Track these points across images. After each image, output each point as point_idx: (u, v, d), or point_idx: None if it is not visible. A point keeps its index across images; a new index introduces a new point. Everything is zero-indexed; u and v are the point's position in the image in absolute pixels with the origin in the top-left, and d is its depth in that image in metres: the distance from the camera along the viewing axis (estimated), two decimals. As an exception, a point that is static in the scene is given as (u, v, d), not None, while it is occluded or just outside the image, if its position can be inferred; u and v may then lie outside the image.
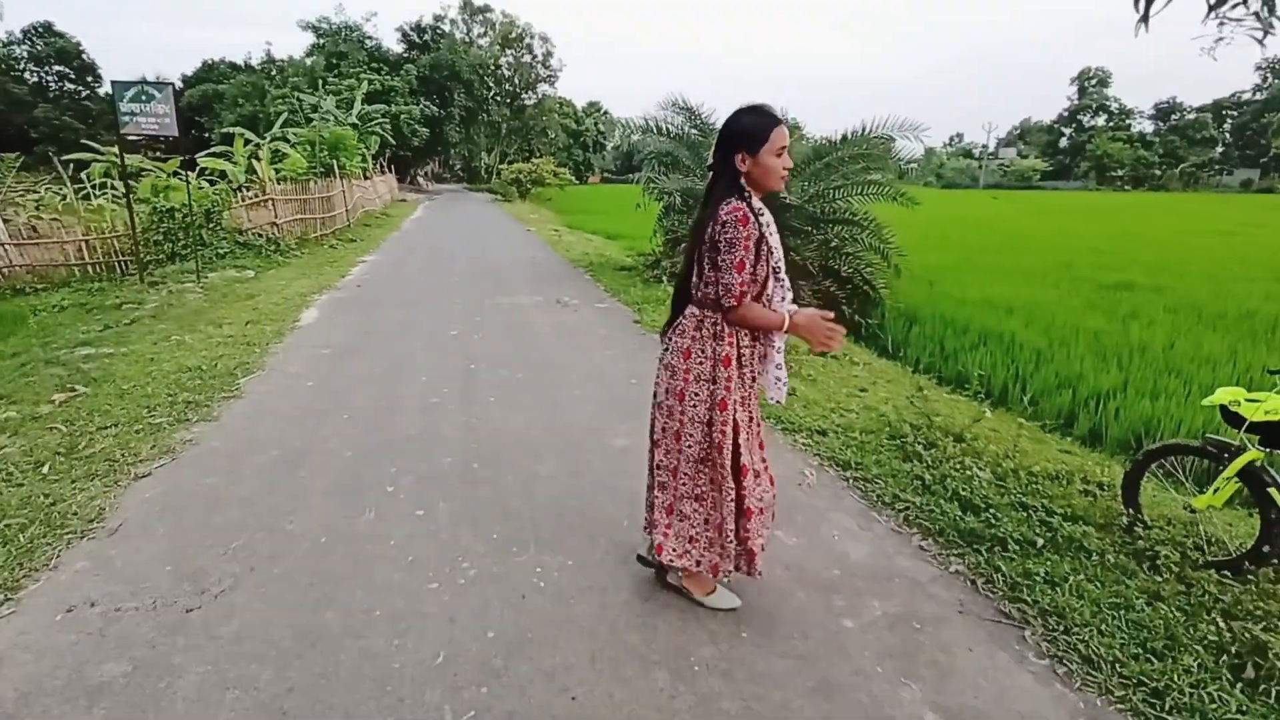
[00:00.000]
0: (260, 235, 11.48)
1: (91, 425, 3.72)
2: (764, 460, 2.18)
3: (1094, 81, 74.38)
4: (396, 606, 2.21)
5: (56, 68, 38.07)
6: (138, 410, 3.94)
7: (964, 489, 2.95)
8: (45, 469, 3.18)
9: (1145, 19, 3.47)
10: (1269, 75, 66.00)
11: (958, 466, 3.18)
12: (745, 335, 1.98)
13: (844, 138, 7.78)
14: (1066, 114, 76.92)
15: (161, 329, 6.14)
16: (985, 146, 79.21)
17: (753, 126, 1.86)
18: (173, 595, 2.27)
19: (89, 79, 38.44)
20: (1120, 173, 65.87)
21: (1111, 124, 71.89)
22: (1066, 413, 5.14)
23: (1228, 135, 69.35)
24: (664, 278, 8.30)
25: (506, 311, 7.02)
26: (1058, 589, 2.32)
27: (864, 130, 7.57)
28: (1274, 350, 6.23)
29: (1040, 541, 2.59)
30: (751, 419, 2.09)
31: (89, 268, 10.10)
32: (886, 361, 6.17)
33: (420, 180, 46.14)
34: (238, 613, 2.18)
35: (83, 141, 20.15)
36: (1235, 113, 68.14)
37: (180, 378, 4.54)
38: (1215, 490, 2.53)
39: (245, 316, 6.48)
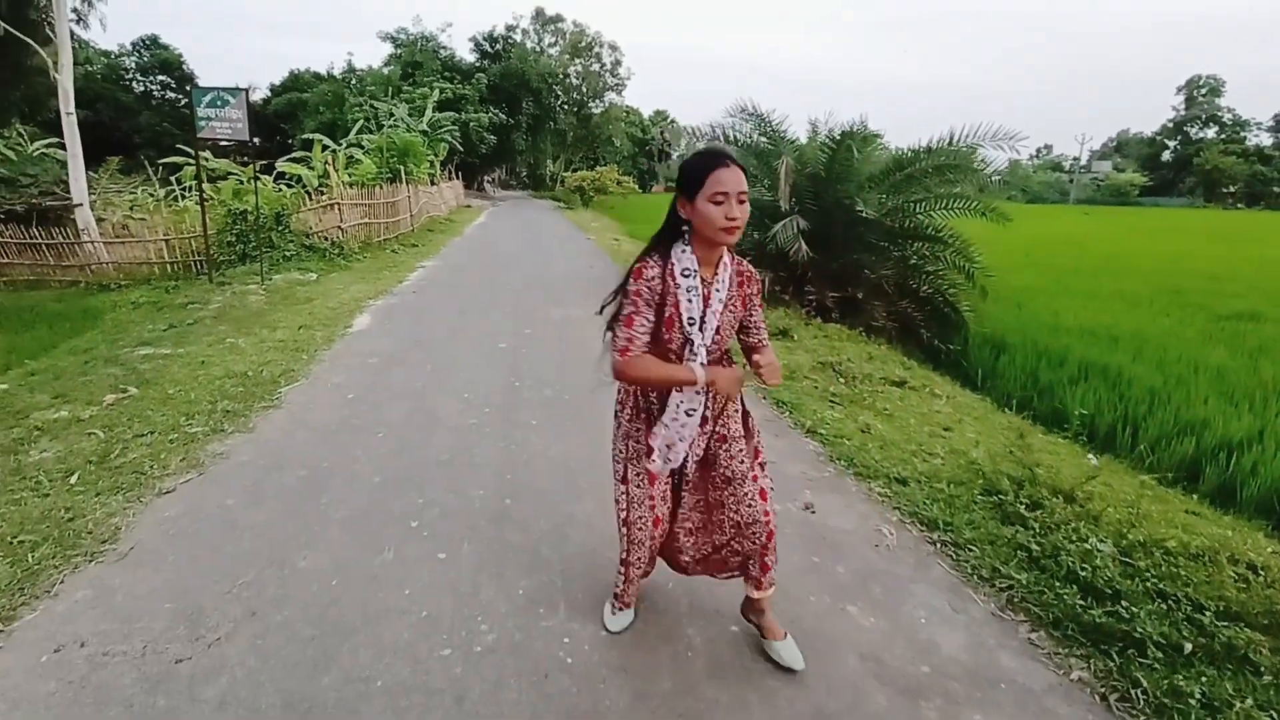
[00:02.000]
0: (326, 239, 11.75)
1: (129, 432, 3.64)
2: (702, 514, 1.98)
3: (1204, 90, 68.70)
4: (401, 676, 1.91)
5: (160, 77, 40.92)
6: (177, 417, 3.85)
7: (1083, 567, 2.43)
8: (74, 479, 3.08)
9: None
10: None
11: (1072, 535, 2.65)
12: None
13: (928, 147, 7.18)
14: (1171, 125, 71.30)
15: (219, 330, 6.19)
16: (1077, 159, 74.48)
17: (691, 170, 1.68)
18: (165, 639, 2.05)
19: (187, 88, 41.22)
20: (1233, 189, 60.62)
21: (1224, 136, 66.06)
22: (1189, 464, 4.44)
23: (1360, 149, 62.74)
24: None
25: (558, 325, 6.77)
26: (1220, 718, 1.81)
27: (951, 139, 6.96)
28: None
29: (1189, 647, 2.06)
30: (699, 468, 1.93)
31: (169, 267, 10.55)
32: (972, 395, 5.56)
33: (486, 186, 47.20)
34: (228, 669, 1.93)
35: (177, 146, 21.46)
36: (1369, 124, 61.69)
37: (225, 384, 4.47)
38: None
39: (299, 320, 6.47)
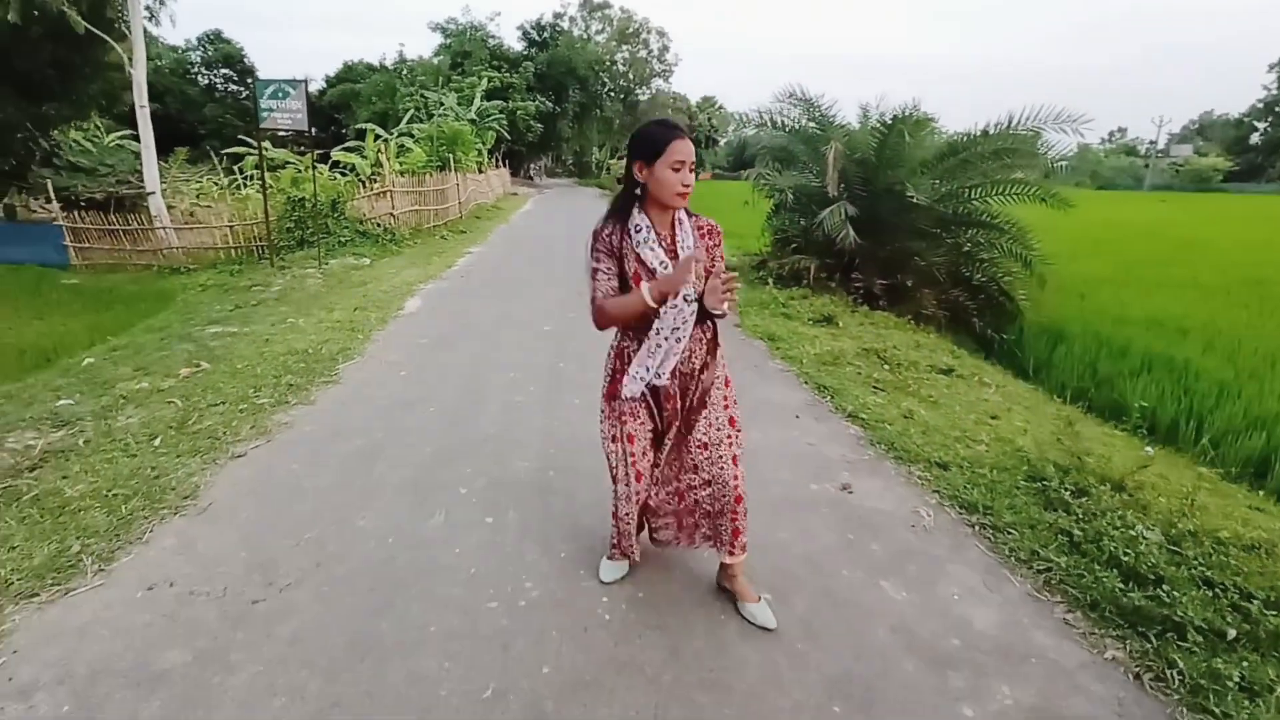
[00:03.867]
0: (378, 225, 12.16)
1: (204, 402, 3.92)
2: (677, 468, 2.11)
3: (1300, 66, 63.57)
4: (452, 624, 2.06)
5: (223, 71, 42.75)
6: (245, 390, 4.13)
7: (1126, 553, 2.40)
8: (157, 441, 3.36)
9: None
10: None
11: (1117, 522, 2.61)
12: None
13: (985, 131, 6.96)
14: (1262, 105, 66.14)
15: (281, 311, 6.54)
16: (1153, 143, 69.92)
17: (652, 136, 1.83)
18: (242, 584, 2.25)
19: (249, 81, 42.89)
20: (1330, 172, 56.09)
21: (1322, 117, 61.08)
22: (1258, 461, 4.26)
23: None
24: (770, 279, 7.85)
25: (601, 307, 6.87)
26: (1260, 702, 1.78)
27: (1010, 122, 6.73)
28: None
29: (1233, 633, 2.03)
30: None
31: (233, 251, 11.12)
32: (1024, 385, 5.42)
33: (532, 174, 47.74)
34: (298, 611, 2.11)
35: (239, 137, 22.45)
36: None
37: (287, 360, 4.75)
38: None
39: (355, 303, 6.77)
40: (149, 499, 2.78)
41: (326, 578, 2.29)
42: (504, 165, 32.37)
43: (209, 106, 39.85)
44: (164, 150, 17.00)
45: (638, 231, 1.87)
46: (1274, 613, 2.12)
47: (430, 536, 2.56)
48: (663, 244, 1.89)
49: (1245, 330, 6.90)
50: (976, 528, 2.71)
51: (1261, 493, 3.87)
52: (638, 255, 1.87)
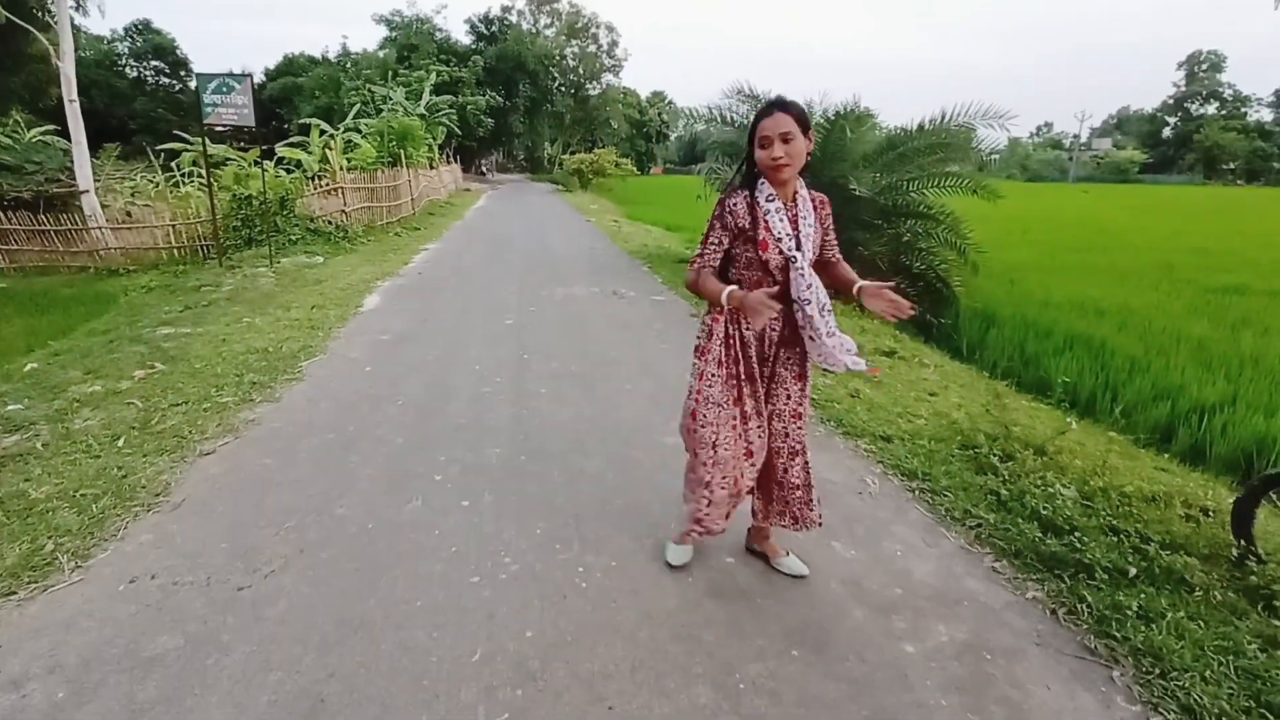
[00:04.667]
0: (330, 223, 11.92)
1: (165, 402, 3.89)
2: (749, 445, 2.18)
3: (1205, 66, 68.23)
4: (437, 598, 2.18)
5: (153, 63, 40.67)
6: (207, 389, 4.10)
7: (1045, 508, 2.70)
8: (120, 442, 3.34)
9: None
10: None
11: (1039, 482, 2.92)
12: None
13: (920, 126, 7.35)
14: (1172, 101, 70.89)
15: (234, 311, 6.42)
16: (1077, 137, 73.95)
17: (752, 124, 1.96)
18: (226, 572, 2.32)
19: (182, 73, 40.93)
20: (1233, 165, 60.58)
21: (1224, 112, 65.82)
22: (1164, 427, 4.71)
23: (1359, 125, 62.55)
24: (722, 270, 8.08)
25: (562, 302, 7.01)
26: (1154, 626, 2.07)
27: (944, 118, 7.13)
28: None
29: (1133, 571, 2.33)
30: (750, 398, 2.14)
31: (175, 251, 10.75)
32: (960, 364, 5.81)
33: (484, 170, 47.10)
34: (285, 594, 2.20)
35: (174, 132, 21.47)
36: (1368, 100, 61.39)
37: (248, 359, 4.72)
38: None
39: (312, 301, 6.70)
40: (119, 497, 2.79)
41: (310, 562, 2.37)
42: (455, 161, 31.88)
43: (139, 100, 37.95)
44: (93, 146, 16.17)
45: (769, 201, 1.97)
46: (1168, 552, 2.44)
47: (409, 520, 2.66)
48: (788, 214, 2.00)
49: (1154, 311, 7.51)
50: (916, 492, 2.98)
51: (1166, 456, 4.30)
52: (766, 223, 1.97)
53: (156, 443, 3.33)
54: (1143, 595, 2.21)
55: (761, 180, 2.00)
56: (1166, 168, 67.62)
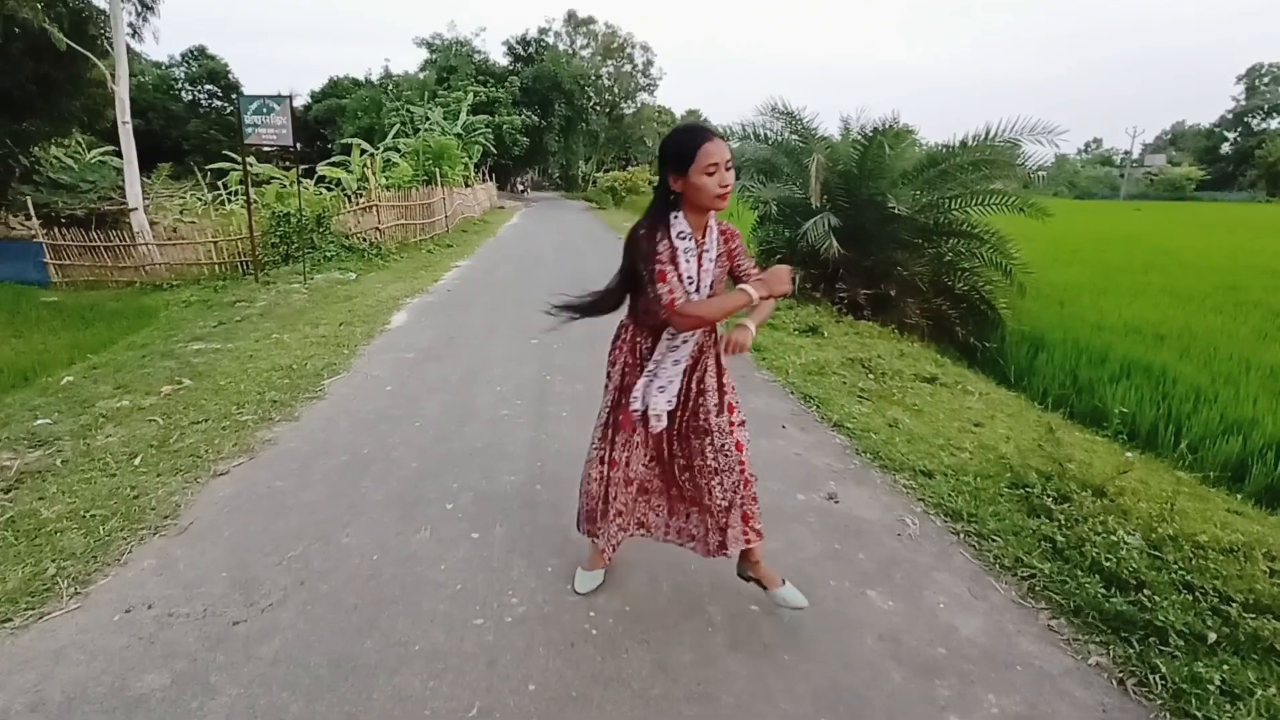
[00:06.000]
0: (364, 240, 12.12)
1: (185, 419, 3.87)
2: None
3: (1267, 79, 65.42)
4: (437, 641, 2.04)
5: (207, 86, 42.53)
6: (228, 407, 4.08)
7: (1108, 558, 2.43)
8: (137, 460, 3.31)
9: None
10: None
11: (1099, 528, 2.64)
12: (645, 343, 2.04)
13: (963, 143, 7.08)
14: (1231, 116, 68.10)
15: (265, 327, 6.48)
16: (1128, 153, 71.61)
17: (680, 145, 1.80)
18: (223, 604, 2.22)
19: (233, 96, 42.71)
20: (1297, 182, 57.81)
21: (1288, 127, 63.06)
22: (1235, 465, 4.33)
23: None
24: (753, 290, 7.91)
25: (589, 321, 6.84)
26: (1240, 704, 1.81)
27: (988, 134, 6.86)
28: None
29: (1213, 637, 2.05)
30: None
31: (216, 267, 11.03)
32: (1006, 392, 5.50)
33: (519, 187, 47.85)
34: (280, 631, 2.08)
35: (223, 152, 22.32)
36: None
37: (271, 376, 4.70)
38: None
39: (340, 318, 6.73)
40: (128, 519, 2.74)
41: (310, 596, 2.26)
42: (490, 179, 32.44)
43: (193, 122, 39.64)
44: (147, 166, 16.88)
45: (682, 239, 1.86)
46: (1252, 615, 2.15)
47: (416, 552, 2.54)
48: (696, 250, 1.89)
49: (1219, 336, 7.05)
50: (961, 535, 2.73)
51: (1239, 496, 3.94)
52: (675, 262, 1.85)
53: (172, 462, 3.29)
54: (1225, 666, 1.93)
55: (676, 214, 1.85)
56: (1226, 185, 64.76)
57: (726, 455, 2.01)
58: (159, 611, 2.18)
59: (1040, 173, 7.74)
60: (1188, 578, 2.35)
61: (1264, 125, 64.86)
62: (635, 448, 2.13)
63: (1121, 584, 2.32)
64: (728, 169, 1.78)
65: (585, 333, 6.38)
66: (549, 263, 11.95)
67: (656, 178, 1.94)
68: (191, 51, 42.77)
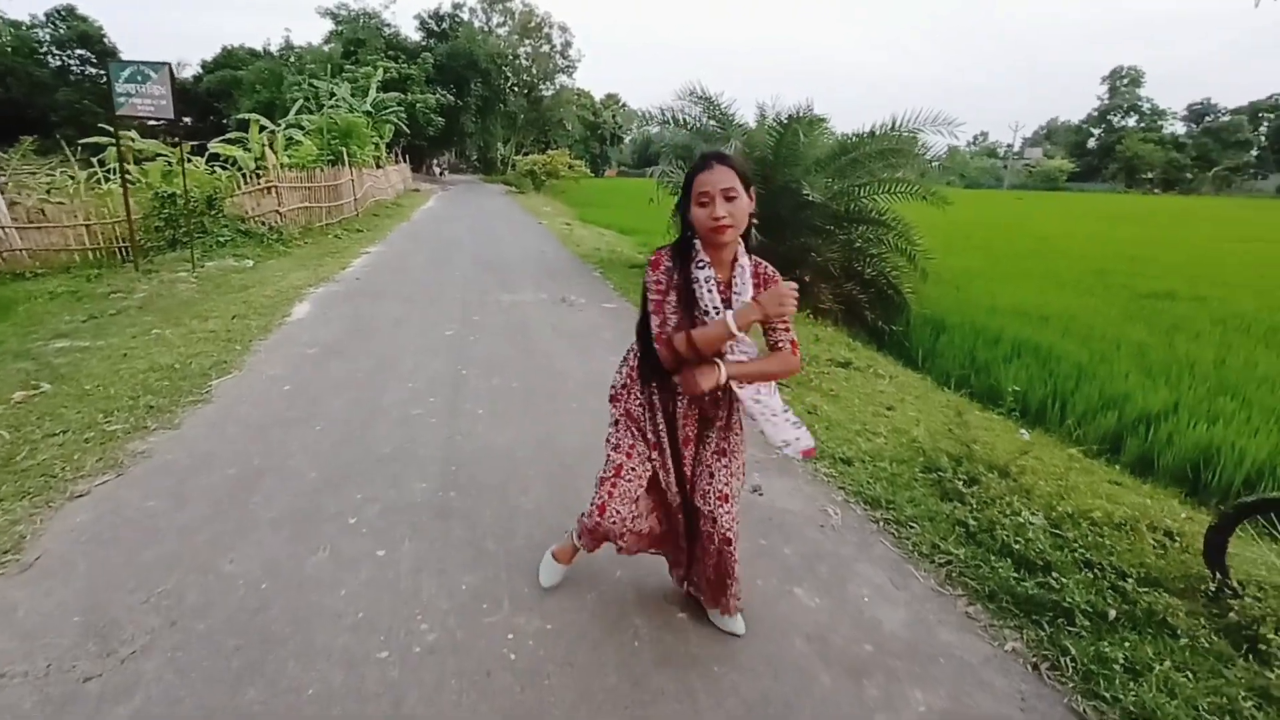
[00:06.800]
0: (263, 224, 11.19)
1: (39, 431, 3.38)
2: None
3: (1126, 81, 72.51)
4: (333, 683, 1.83)
5: (78, 51, 37.79)
6: (94, 415, 3.60)
7: (1016, 540, 2.52)
8: (-27, 484, 2.84)
9: None
10: (1309, 76, 64.03)
11: (1006, 510, 2.74)
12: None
13: (872, 132, 7.27)
14: (1096, 114, 75.17)
15: (145, 321, 5.83)
16: (1010, 146, 77.58)
17: (685, 181, 1.71)
18: (73, 657, 1.90)
19: (109, 63, 38.64)
20: (1150, 175, 64.44)
21: (1143, 125, 70.26)
22: (1112, 436, 4.67)
23: (1263, 139, 67.14)
24: (676, 277, 7.87)
25: (508, 310, 6.64)
26: (1142, 681, 1.89)
27: (894, 124, 7.06)
28: (1342, 371, 5.68)
29: (1113, 613, 2.16)
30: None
31: (89, 254, 9.87)
32: (913, 373, 5.70)
33: (435, 170, 45.89)
34: (142, 685, 1.80)
35: (99, 125, 20.01)
36: (1272, 116, 65.92)
37: (148, 378, 4.20)
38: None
39: (233, 310, 6.15)
40: (-44, 558, 2.33)
41: (182, 639, 1.98)
42: (404, 160, 30.86)
43: (62, 91, 35.30)
44: (9, 139, 14.85)
45: (700, 268, 1.71)
46: (1146, 590, 2.28)
47: (312, 577, 2.29)
48: (720, 287, 1.73)
49: (1094, 316, 7.64)
50: (881, 524, 2.77)
51: (1117, 467, 4.25)
52: (693, 295, 1.72)
53: (18, 484, 2.85)
54: (1127, 644, 2.03)
55: (696, 247, 1.72)
56: (1091, 176, 71.41)
57: (733, 524, 1.91)
58: (-10, 670, 1.85)
59: (935, 163, 8.08)
60: (1087, 555, 2.47)
61: (1123, 123, 71.85)
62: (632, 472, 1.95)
63: (1030, 566, 2.40)
64: (727, 198, 1.62)
65: (504, 322, 6.17)
66: (466, 249, 11.48)
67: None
68: (58, 11, 38.02)
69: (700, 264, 1.71)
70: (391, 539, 2.53)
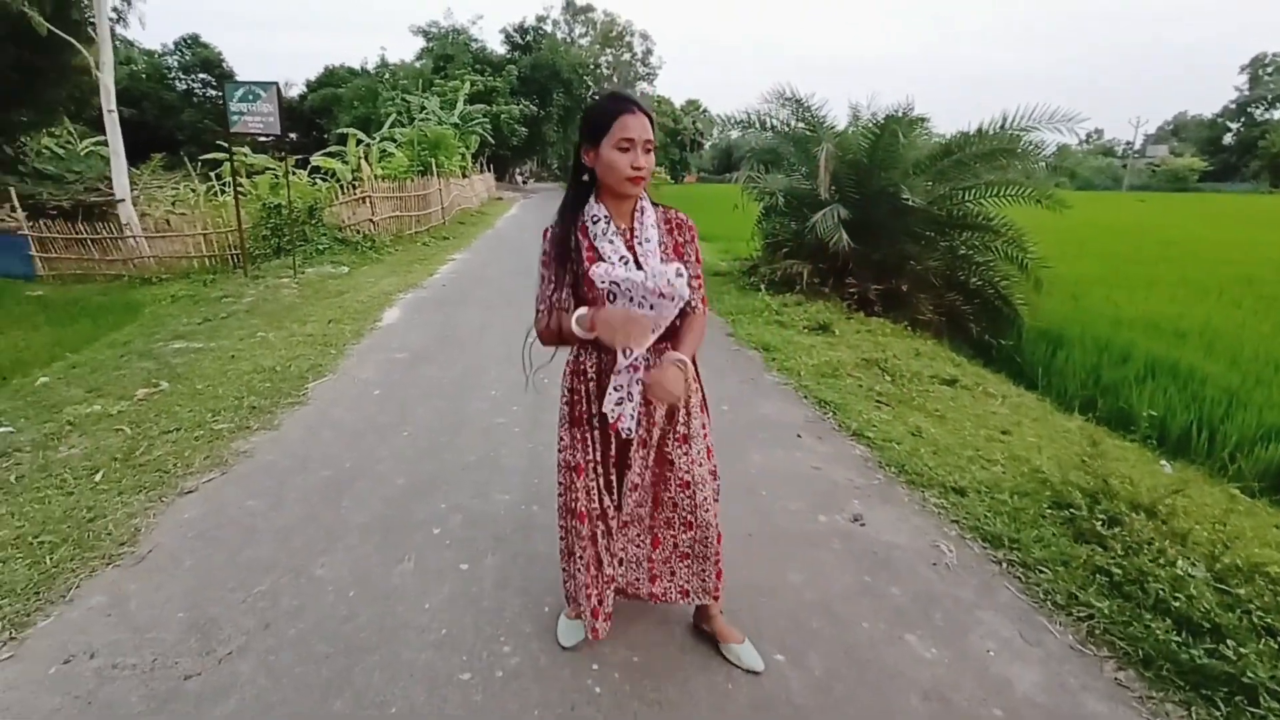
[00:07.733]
0: (358, 232, 11.81)
1: (156, 428, 3.60)
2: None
3: (1271, 69, 64.79)
4: (417, 701, 1.77)
5: (201, 76, 41.68)
6: (204, 414, 3.81)
7: (1175, 596, 2.16)
8: (99, 476, 3.03)
9: None
10: None
11: (1157, 557, 2.37)
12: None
13: (979, 131, 6.77)
14: (1234, 106, 67.59)
15: (251, 324, 6.20)
16: (1130, 144, 71.24)
17: (596, 115, 1.54)
18: (176, 653, 1.95)
19: (226, 85, 42.28)
20: (1301, 174, 57.46)
21: (1291, 118, 62.60)
22: (1275, 472, 4.06)
23: None
24: (761, 285, 7.62)
25: (588, 317, 6.61)
26: (1354, 783, 1.54)
27: (1005, 122, 6.55)
28: None
29: (1309, 695, 1.79)
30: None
31: (206, 260, 10.73)
32: (1029, 394, 5.21)
33: (518, 179, 47.37)
34: (238, 687, 1.81)
35: (216, 143, 21.89)
36: None
37: (253, 379, 4.43)
38: None
39: (329, 314, 6.45)
40: (80, 546, 2.47)
41: (275, 642, 1.99)
42: (489, 170, 32.00)
43: (187, 112, 38.94)
44: (141, 156, 16.49)
45: (595, 223, 1.59)
46: (1347, 667, 1.88)
47: (397, 587, 2.27)
48: (623, 235, 1.60)
49: (1243, 331, 6.77)
50: (1004, 565, 2.47)
51: (1286, 509, 3.67)
52: (594, 247, 1.58)
53: (136, 478, 3.02)
54: (1330, 733, 1.67)
55: (593, 199, 1.60)
56: (1229, 175, 64.21)
57: (706, 510, 1.76)
58: (102, 662, 1.91)
59: (1041, 164, 7.42)
60: (1267, 619, 2.08)
61: (1267, 116, 64.22)
62: (586, 490, 1.80)
63: (1194, 628, 2.04)
64: (646, 150, 1.51)
65: (585, 331, 6.13)
66: (548, 256, 11.63)
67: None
68: (185, 40, 42.08)
69: (595, 218, 1.59)
70: (475, 551, 2.48)
